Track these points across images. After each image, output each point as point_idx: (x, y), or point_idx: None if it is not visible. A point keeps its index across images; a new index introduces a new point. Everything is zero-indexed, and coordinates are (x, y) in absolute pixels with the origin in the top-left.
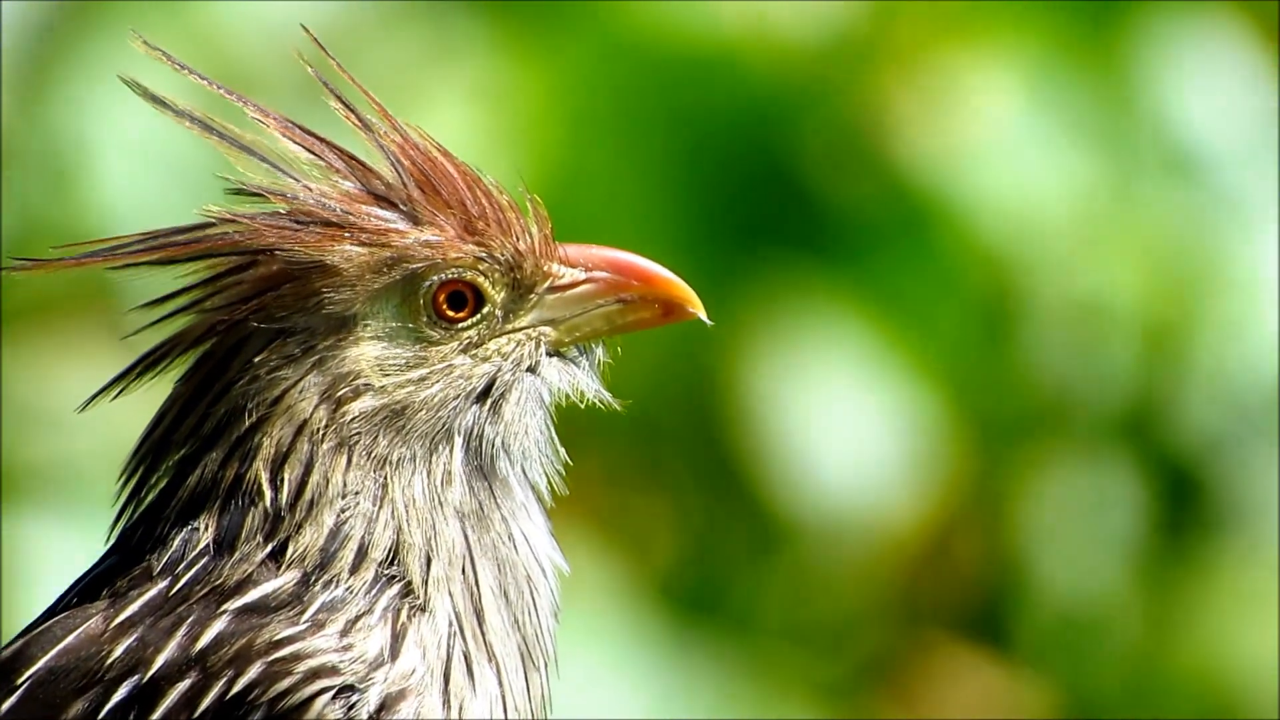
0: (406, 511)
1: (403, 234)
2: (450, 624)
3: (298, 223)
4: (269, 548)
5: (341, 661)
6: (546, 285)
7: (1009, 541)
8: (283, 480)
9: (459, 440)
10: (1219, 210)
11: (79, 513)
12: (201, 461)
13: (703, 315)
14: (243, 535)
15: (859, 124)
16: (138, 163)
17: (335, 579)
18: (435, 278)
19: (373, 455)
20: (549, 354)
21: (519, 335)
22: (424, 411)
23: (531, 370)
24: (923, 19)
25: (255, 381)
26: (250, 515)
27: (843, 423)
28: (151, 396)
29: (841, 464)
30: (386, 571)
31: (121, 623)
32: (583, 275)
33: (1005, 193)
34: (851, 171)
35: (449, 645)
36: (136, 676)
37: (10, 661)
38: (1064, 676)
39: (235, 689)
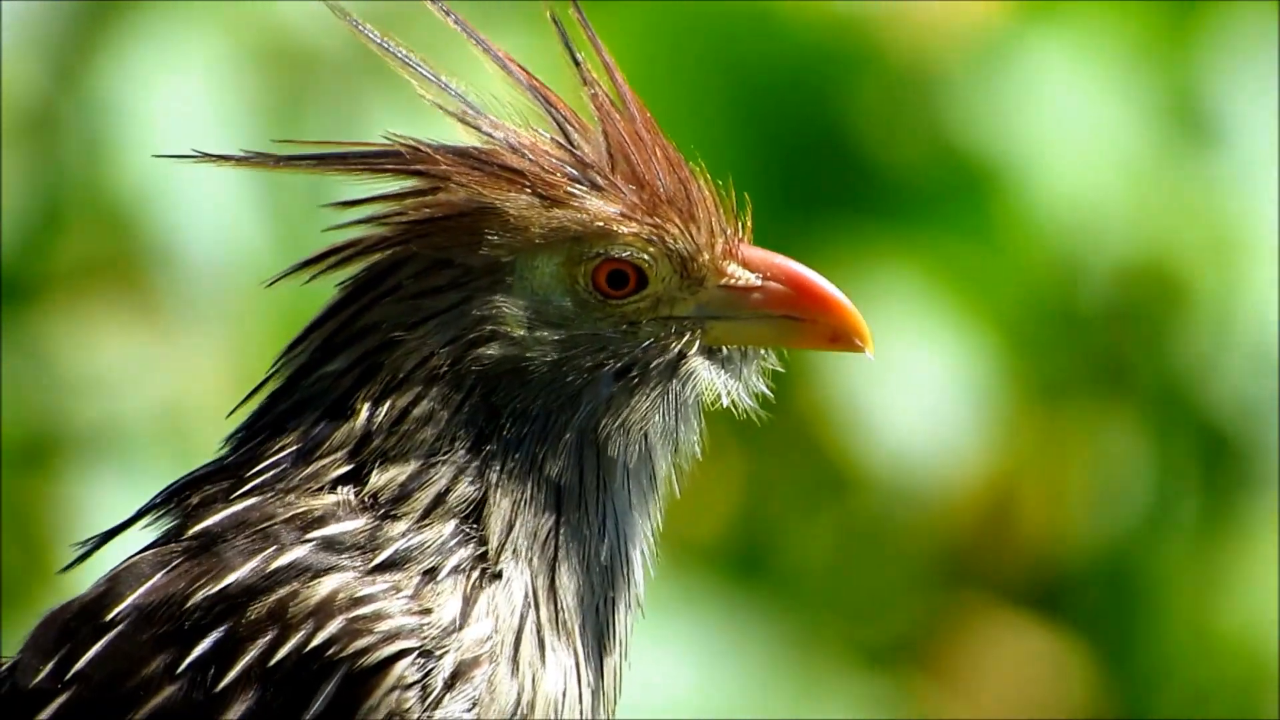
0: (502, 470)
1: (581, 197)
2: (526, 595)
3: (480, 161)
4: (347, 469)
5: (420, 625)
6: (719, 281)
7: (1060, 504)
8: (387, 405)
9: (581, 412)
10: (1263, 180)
11: (130, 473)
12: (319, 369)
13: (869, 352)
14: (325, 447)
15: (915, 85)
16: (177, 130)
17: (411, 524)
18: (601, 250)
19: (487, 405)
20: (702, 350)
21: (675, 324)
22: (554, 373)
23: (677, 361)
24: None
25: (400, 303)
26: (341, 431)
27: (901, 381)
28: (202, 359)
29: (899, 422)
30: (464, 528)
31: (201, 550)
32: (757, 281)
33: (1059, 156)
34: (907, 133)
35: (522, 616)
36: (218, 631)
37: (99, 599)
38: (1109, 643)
39: (314, 642)
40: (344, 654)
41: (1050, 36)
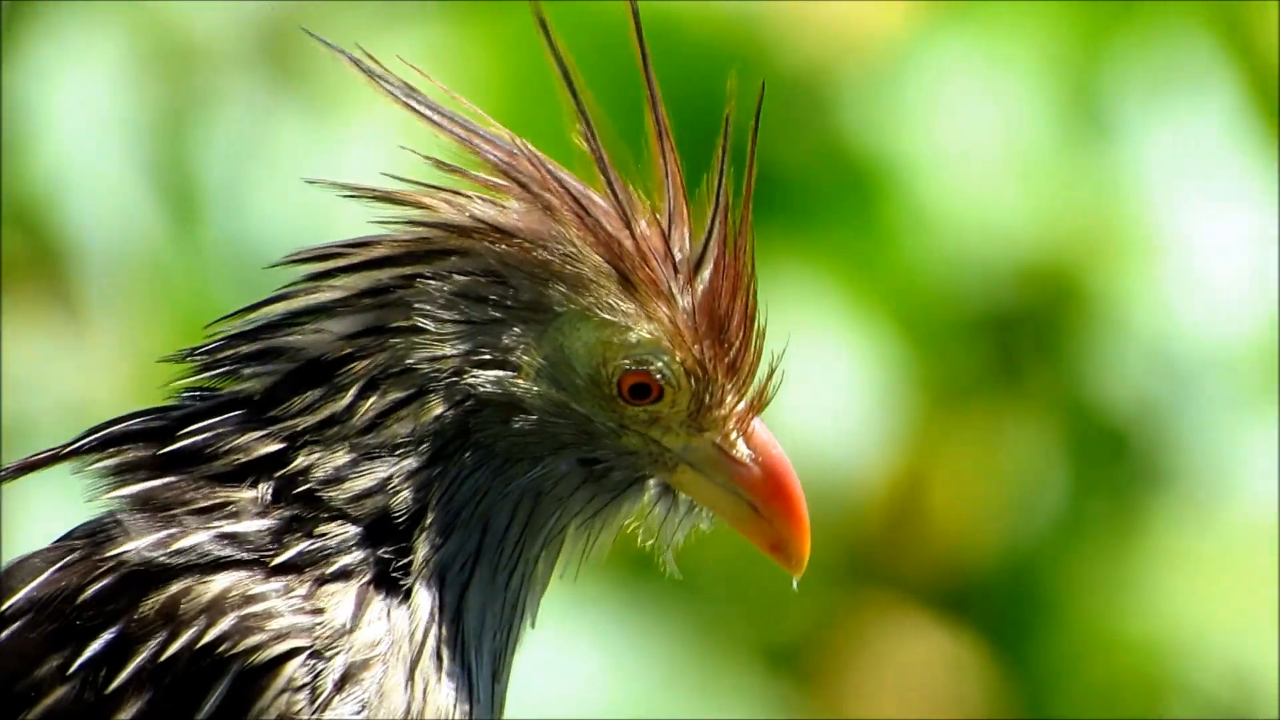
0: (447, 492)
1: (659, 300)
2: (431, 612)
3: (587, 210)
4: (280, 447)
5: (311, 625)
6: (716, 439)
7: (963, 505)
8: (378, 392)
9: (535, 472)
10: (1161, 180)
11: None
12: (316, 317)
13: (795, 580)
14: (283, 410)
15: (809, 87)
16: (88, 130)
17: (325, 522)
18: (645, 360)
19: (463, 426)
20: (661, 484)
21: (657, 449)
22: (534, 429)
23: (637, 481)
24: None
25: (439, 292)
26: (315, 399)
27: (802, 382)
28: (109, 356)
29: (801, 422)
30: (382, 534)
31: (102, 540)
32: (748, 458)
33: (956, 157)
34: (803, 134)
35: (425, 630)
36: (110, 631)
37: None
38: (1011, 644)
39: (206, 639)
40: (235, 651)
41: (947, 39)
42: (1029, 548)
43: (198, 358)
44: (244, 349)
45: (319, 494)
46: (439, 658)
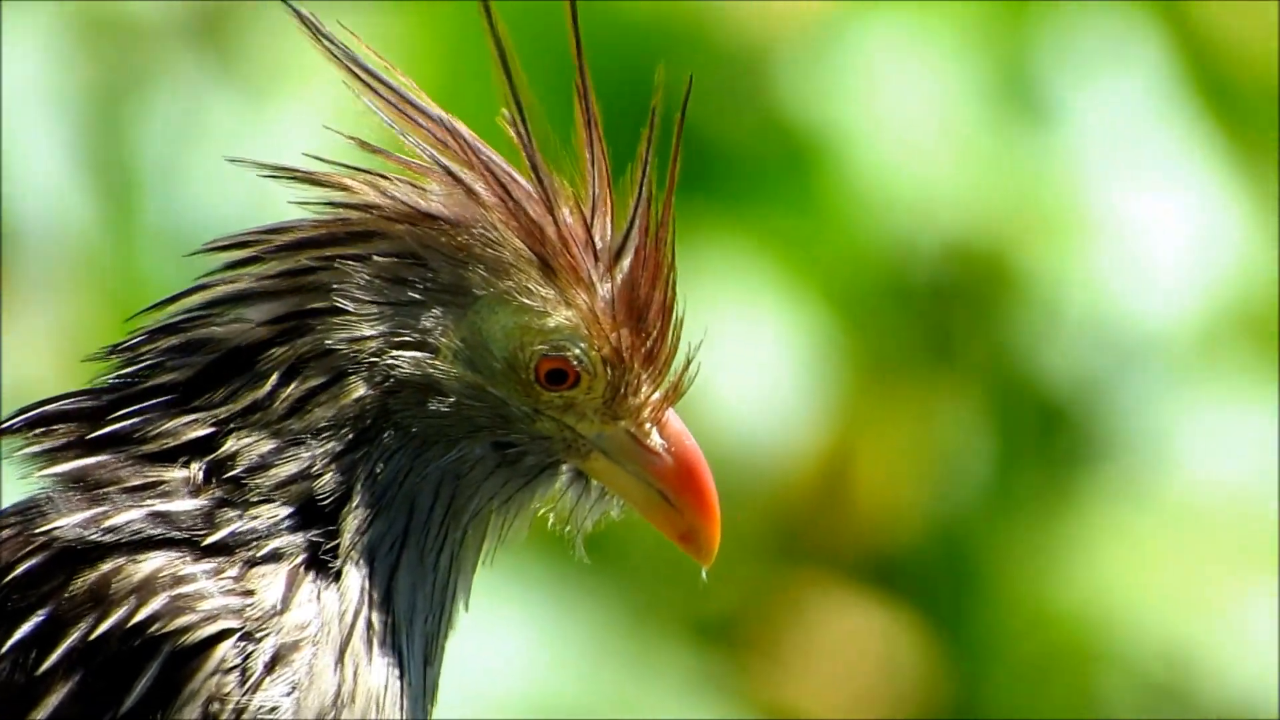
0: (371, 473)
1: (580, 288)
2: (361, 594)
3: (510, 193)
4: (209, 431)
5: (242, 606)
6: (630, 428)
7: (894, 480)
8: (299, 378)
9: (451, 455)
10: (1095, 158)
11: None
12: (235, 306)
13: (705, 571)
14: (205, 400)
15: (742, 62)
16: (20, 108)
17: (256, 505)
18: (564, 347)
19: (384, 407)
20: (573, 470)
21: (571, 435)
22: (450, 410)
23: (549, 466)
24: None
25: (358, 274)
26: (236, 387)
27: (732, 356)
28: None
29: (730, 396)
30: (309, 517)
31: (34, 515)
32: (660, 448)
33: (888, 132)
34: (735, 110)
35: (355, 612)
36: (40, 614)
37: None
38: (943, 619)
39: (136, 619)
40: (165, 630)
41: (882, 14)
42: (960, 522)
43: (121, 354)
44: (165, 343)
45: (245, 480)
46: (369, 640)
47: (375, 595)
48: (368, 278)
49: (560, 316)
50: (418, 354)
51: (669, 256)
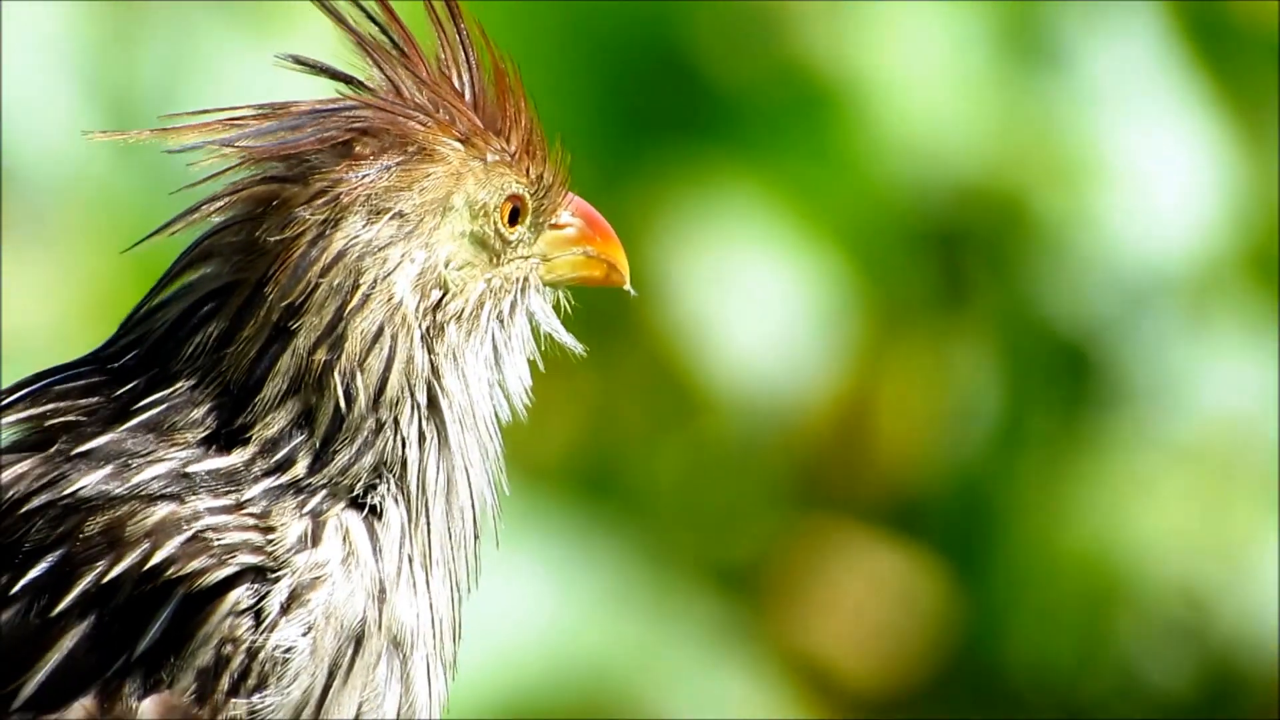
0: (425, 427)
1: (490, 140)
2: (401, 528)
3: (409, 109)
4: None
5: (262, 543)
6: (551, 221)
7: (911, 424)
8: (326, 317)
9: (486, 351)
10: (1104, 103)
11: None
12: (255, 305)
13: (629, 286)
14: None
15: (751, 8)
16: (25, 50)
17: (280, 460)
18: (509, 187)
19: (423, 348)
20: (538, 286)
21: (527, 262)
22: (474, 317)
23: (532, 291)
24: None
25: (357, 216)
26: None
27: (749, 302)
28: (47, 281)
29: (747, 342)
30: (337, 459)
31: (58, 460)
32: (568, 219)
33: (901, 77)
34: (747, 54)
35: (396, 546)
36: (54, 555)
37: None
38: (960, 561)
39: (151, 562)
40: (181, 574)
41: None
42: (977, 465)
43: (131, 328)
44: (167, 314)
45: (273, 443)
46: (402, 573)
47: (413, 530)
48: (356, 240)
49: (498, 166)
50: (432, 290)
51: (496, 59)
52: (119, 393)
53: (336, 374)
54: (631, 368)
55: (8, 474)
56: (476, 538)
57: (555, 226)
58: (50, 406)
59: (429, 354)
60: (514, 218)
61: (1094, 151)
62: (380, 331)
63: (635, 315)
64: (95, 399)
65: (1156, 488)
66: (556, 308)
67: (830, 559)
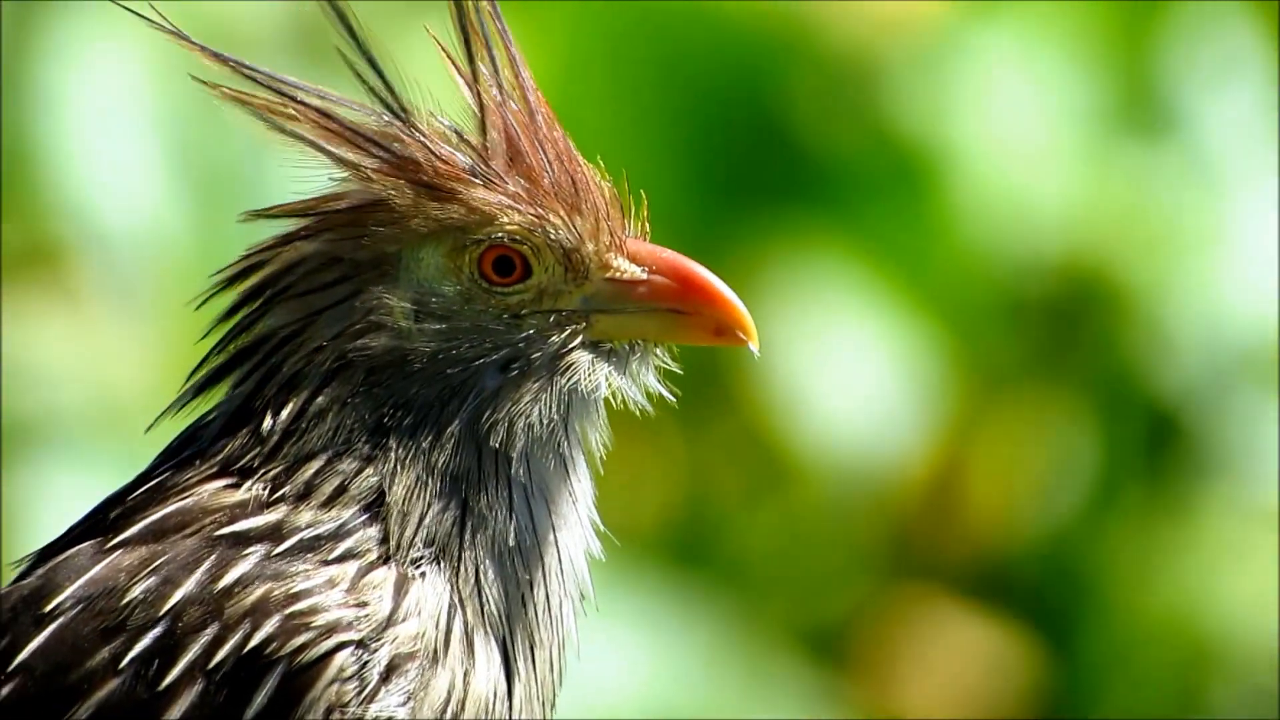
0: (397, 463)
1: (466, 187)
2: (450, 590)
3: (377, 147)
4: (268, 474)
5: (357, 618)
6: (605, 275)
7: (1003, 492)
8: (287, 405)
9: (468, 403)
10: (1200, 172)
11: (69, 461)
12: (233, 376)
13: (754, 346)
14: (246, 458)
15: (852, 74)
16: (114, 119)
17: (333, 520)
18: (484, 236)
19: (373, 397)
20: (588, 344)
21: (559, 317)
22: (436, 365)
23: (559, 354)
24: None
25: (291, 302)
26: (248, 436)
27: (843, 368)
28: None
29: (842, 409)
30: (378, 521)
31: (136, 553)
32: (643, 275)
33: (999, 145)
34: (845, 122)
35: (449, 613)
36: (159, 627)
37: (38, 590)
38: (1052, 630)
39: (252, 643)
40: (282, 652)
41: (992, 25)
42: (1069, 535)
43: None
44: (188, 431)
45: (310, 503)
46: (469, 640)
47: (463, 588)
48: (299, 299)
49: (469, 217)
50: (375, 334)
51: (544, 112)
52: (168, 474)
53: (301, 416)
54: (726, 434)
55: (107, 564)
56: (562, 589)
57: (615, 281)
58: (116, 504)
59: (368, 392)
60: (505, 269)
61: (1187, 220)
62: (303, 369)
63: (730, 381)
64: (152, 489)
65: (1246, 554)
66: (639, 368)
67: (921, 625)
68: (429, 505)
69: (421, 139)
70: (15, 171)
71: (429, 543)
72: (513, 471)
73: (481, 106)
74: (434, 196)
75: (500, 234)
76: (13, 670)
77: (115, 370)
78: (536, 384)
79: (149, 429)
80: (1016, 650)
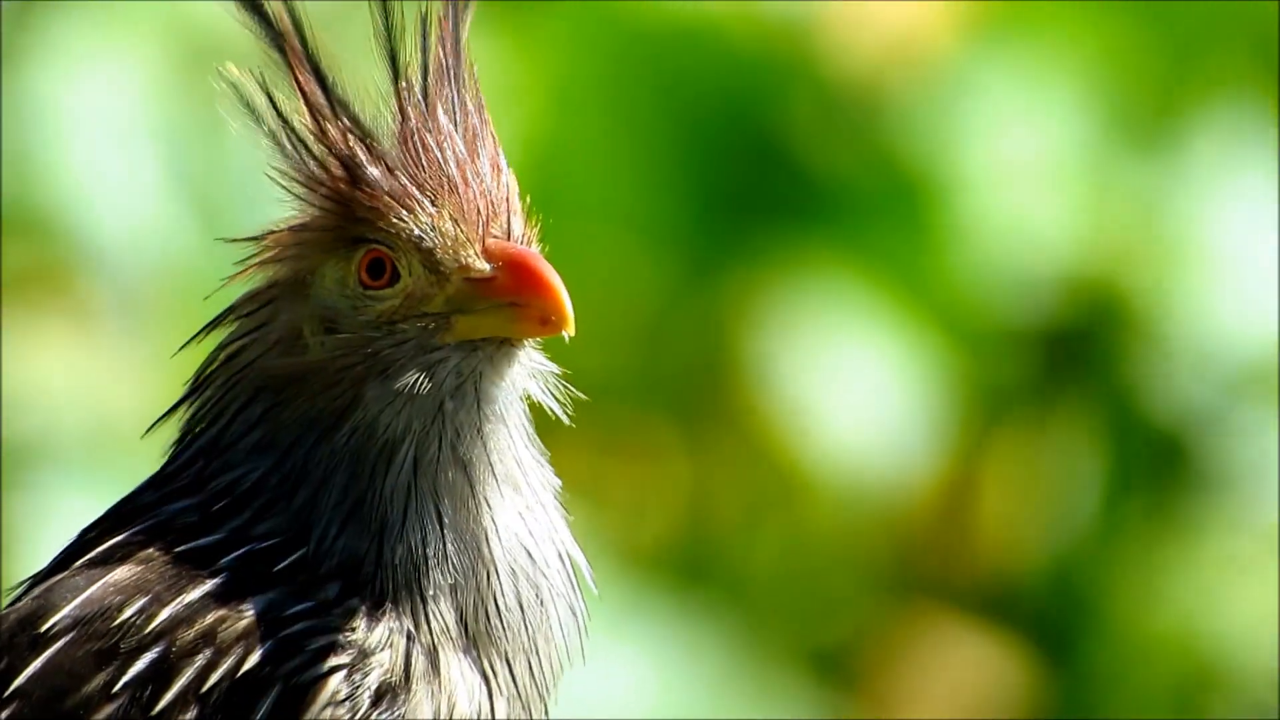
0: (313, 490)
1: (350, 192)
2: (400, 617)
3: (309, 173)
4: (210, 490)
5: (347, 643)
6: (464, 276)
7: (1007, 511)
8: (217, 424)
9: (354, 419)
10: (1201, 193)
11: (69, 482)
12: (193, 404)
13: (569, 332)
14: (189, 471)
15: (853, 95)
16: (104, 135)
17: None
18: (360, 239)
19: (284, 417)
20: (450, 345)
21: (427, 321)
22: (336, 378)
23: (424, 356)
24: None
25: (231, 327)
26: (195, 454)
27: (848, 387)
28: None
29: (846, 428)
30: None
31: (125, 573)
32: (490, 270)
33: (1001, 165)
34: (846, 142)
35: (410, 635)
36: (154, 650)
37: (35, 612)
38: (1056, 648)
39: (247, 666)
40: (276, 675)
41: (995, 49)
42: (1074, 554)
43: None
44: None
45: (255, 517)
46: (435, 663)
47: (410, 611)
48: (236, 323)
49: (348, 220)
50: (287, 352)
51: (454, 115)
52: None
53: (223, 436)
54: (729, 453)
55: (102, 584)
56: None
57: (471, 280)
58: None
59: (276, 409)
60: (376, 272)
61: (1189, 241)
62: (229, 393)
63: (733, 400)
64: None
65: (1250, 574)
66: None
67: (926, 644)
68: (343, 530)
69: (329, 146)
70: (14, 188)
71: (356, 568)
72: (416, 485)
73: (396, 100)
74: (336, 209)
75: (373, 236)
76: (9, 696)
77: (115, 391)
78: (410, 391)
79: (144, 434)
80: (1021, 668)
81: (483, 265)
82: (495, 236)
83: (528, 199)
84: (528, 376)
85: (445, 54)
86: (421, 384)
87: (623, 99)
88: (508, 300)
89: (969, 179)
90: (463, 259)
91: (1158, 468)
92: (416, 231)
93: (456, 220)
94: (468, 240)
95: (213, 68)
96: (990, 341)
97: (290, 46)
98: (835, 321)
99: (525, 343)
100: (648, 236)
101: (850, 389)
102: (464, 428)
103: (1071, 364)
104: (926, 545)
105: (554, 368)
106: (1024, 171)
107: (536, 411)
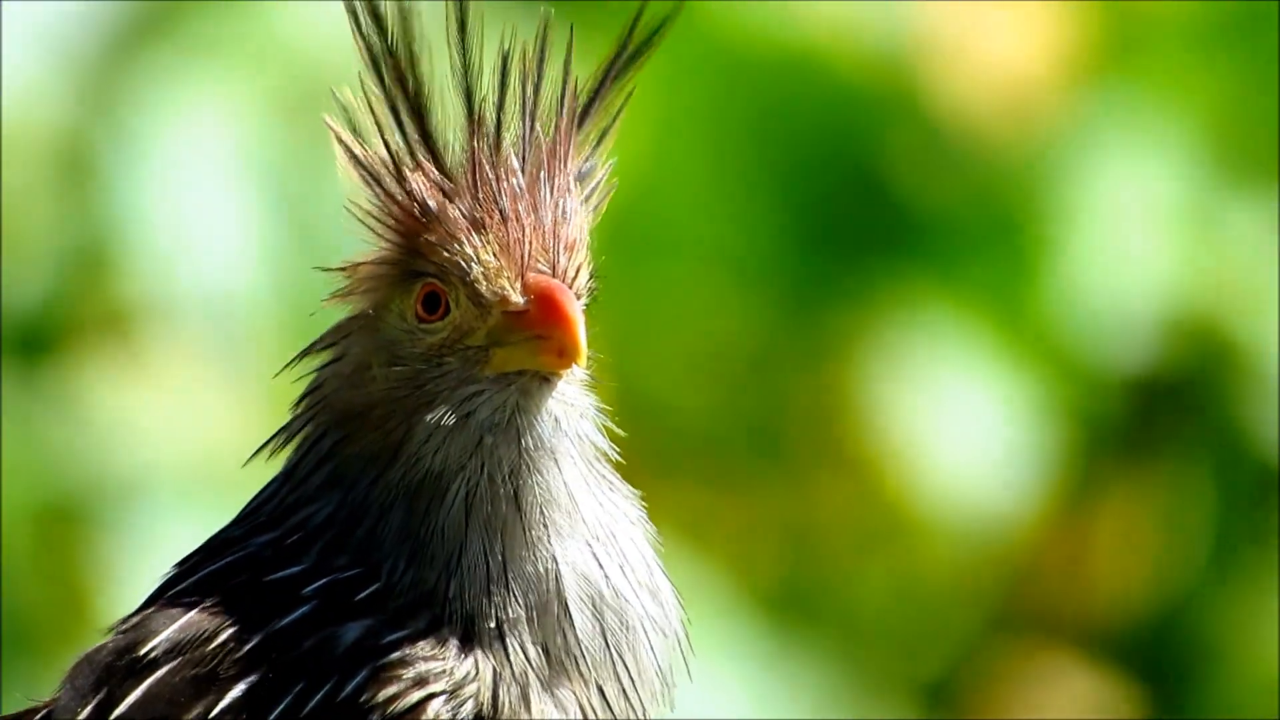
0: (377, 525)
1: (419, 229)
2: (484, 652)
3: (387, 207)
4: (290, 524)
5: (443, 670)
6: (504, 309)
7: (1115, 551)
8: (303, 456)
9: (406, 453)
10: None
11: (163, 521)
12: (286, 438)
13: (579, 365)
14: (276, 501)
15: (953, 131)
16: (206, 174)
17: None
18: (423, 275)
19: (350, 453)
20: (488, 378)
21: (468, 353)
22: (393, 410)
23: (462, 388)
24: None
25: (320, 356)
26: (283, 489)
27: (955, 424)
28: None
29: (953, 465)
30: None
31: (218, 602)
32: (524, 303)
33: (1099, 202)
34: (942, 177)
35: (494, 674)
36: (251, 676)
37: (134, 641)
38: (1164, 690)
39: (344, 692)
40: (374, 701)
41: (1101, 89)
42: (1184, 594)
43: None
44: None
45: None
46: (525, 694)
47: (488, 643)
48: (321, 352)
49: (412, 258)
50: (357, 385)
51: (511, 133)
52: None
53: (304, 464)
54: (835, 491)
55: (197, 610)
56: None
57: (508, 314)
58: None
59: (347, 442)
60: (431, 306)
61: None
62: (311, 422)
63: (838, 437)
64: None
65: None
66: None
67: (1032, 682)
68: (410, 565)
69: (405, 181)
70: (117, 227)
71: (431, 602)
72: (469, 521)
73: (466, 135)
74: (402, 242)
75: (428, 269)
76: None
77: (218, 427)
78: (449, 425)
79: (243, 465)
80: (1128, 705)
81: (518, 298)
82: (540, 271)
83: (594, 236)
84: (567, 408)
85: (525, 91)
86: (460, 417)
87: (724, 133)
88: (535, 333)
89: (1074, 218)
90: (502, 291)
91: (1266, 508)
92: (461, 263)
93: (499, 253)
94: (508, 273)
95: (312, 105)
96: (1095, 381)
97: (399, 77)
98: (939, 358)
99: (558, 376)
100: (749, 272)
101: (955, 425)
102: (505, 462)
103: (1177, 404)
104: (1034, 581)
105: (595, 400)
106: (1130, 212)
107: (633, 450)
